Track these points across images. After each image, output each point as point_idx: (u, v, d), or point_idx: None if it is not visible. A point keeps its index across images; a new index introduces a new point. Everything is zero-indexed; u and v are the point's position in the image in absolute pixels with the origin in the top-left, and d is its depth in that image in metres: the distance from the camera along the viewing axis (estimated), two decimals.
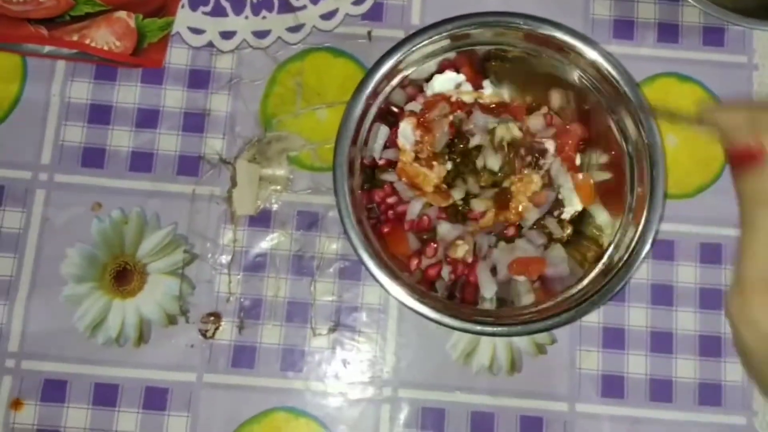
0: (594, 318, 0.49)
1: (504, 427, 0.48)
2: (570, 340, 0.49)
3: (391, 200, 0.48)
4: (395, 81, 0.46)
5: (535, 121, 0.48)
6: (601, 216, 0.47)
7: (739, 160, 0.24)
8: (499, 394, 0.48)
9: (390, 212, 0.48)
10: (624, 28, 0.53)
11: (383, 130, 0.48)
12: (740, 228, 0.24)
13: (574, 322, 0.43)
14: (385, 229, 0.47)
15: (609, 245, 0.45)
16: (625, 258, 0.43)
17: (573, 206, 0.48)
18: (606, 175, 0.47)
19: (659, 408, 0.48)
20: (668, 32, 0.53)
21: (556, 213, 0.48)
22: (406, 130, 0.47)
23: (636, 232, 0.43)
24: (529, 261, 0.46)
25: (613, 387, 0.48)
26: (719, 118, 0.26)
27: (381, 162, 0.49)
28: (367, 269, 0.42)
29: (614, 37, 0.53)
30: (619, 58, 0.43)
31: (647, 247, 0.42)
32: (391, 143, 0.48)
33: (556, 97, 0.48)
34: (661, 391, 0.48)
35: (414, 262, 0.47)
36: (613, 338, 0.49)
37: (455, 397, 0.48)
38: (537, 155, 0.46)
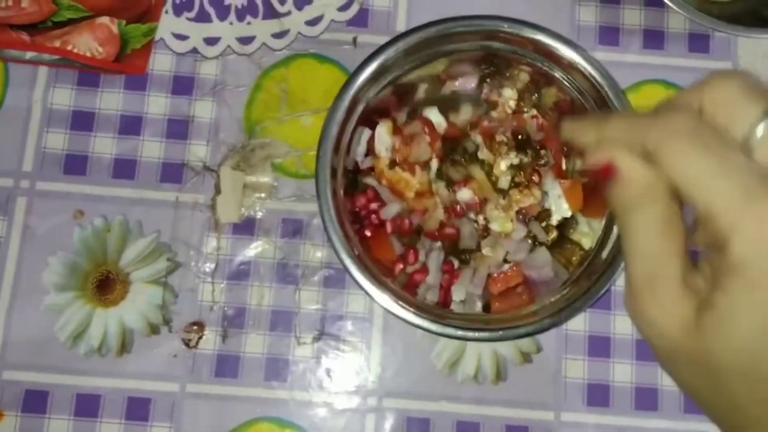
0: (579, 326, 0.49)
1: None
2: (555, 348, 0.49)
3: (374, 206, 0.47)
4: (380, 84, 0.46)
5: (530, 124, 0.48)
6: (585, 219, 0.47)
7: (599, 177, 0.25)
8: (484, 403, 0.48)
9: (373, 217, 0.47)
10: (610, 35, 0.53)
11: (366, 134, 0.47)
12: (621, 236, 0.25)
13: (559, 326, 0.42)
14: (368, 233, 0.47)
15: (593, 248, 0.44)
16: (609, 260, 0.43)
17: (561, 213, 0.47)
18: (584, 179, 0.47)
19: (645, 416, 0.48)
20: (654, 39, 0.53)
21: (542, 222, 0.48)
22: (382, 134, 0.47)
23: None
24: (511, 293, 0.46)
25: (598, 395, 0.48)
26: (575, 140, 0.27)
27: (364, 167, 0.48)
28: (350, 273, 0.41)
29: (600, 43, 0.53)
30: (605, 65, 0.43)
31: None
32: (370, 148, 0.48)
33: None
34: (646, 399, 0.48)
35: (398, 267, 0.46)
36: (599, 346, 0.49)
37: (440, 407, 0.48)
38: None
